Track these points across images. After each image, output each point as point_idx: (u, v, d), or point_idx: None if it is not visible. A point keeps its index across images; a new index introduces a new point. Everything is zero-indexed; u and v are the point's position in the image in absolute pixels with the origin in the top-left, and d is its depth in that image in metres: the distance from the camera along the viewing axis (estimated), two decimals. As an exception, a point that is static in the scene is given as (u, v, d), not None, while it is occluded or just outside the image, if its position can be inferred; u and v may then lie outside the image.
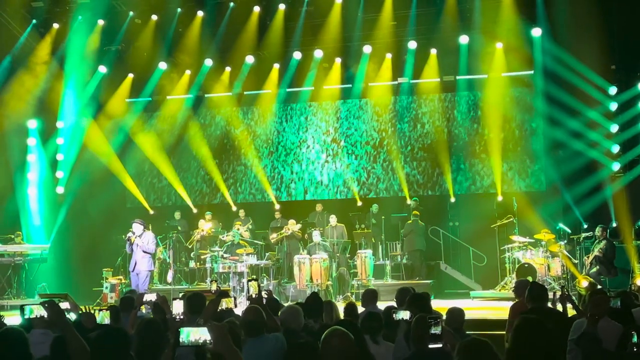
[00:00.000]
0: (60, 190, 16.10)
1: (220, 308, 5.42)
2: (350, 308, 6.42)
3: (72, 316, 5.50)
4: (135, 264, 11.50)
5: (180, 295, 6.26)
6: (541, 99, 14.68)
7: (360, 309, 6.77)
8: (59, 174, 16.17)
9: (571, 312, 6.45)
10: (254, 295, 5.58)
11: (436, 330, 3.93)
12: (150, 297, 6.17)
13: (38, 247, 14.77)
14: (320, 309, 6.18)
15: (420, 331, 4.30)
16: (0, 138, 15.17)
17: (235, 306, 5.87)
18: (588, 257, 12.22)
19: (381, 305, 6.81)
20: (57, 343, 4.25)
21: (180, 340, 3.44)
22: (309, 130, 16.90)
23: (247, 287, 5.79)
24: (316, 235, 13.54)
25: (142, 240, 11.49)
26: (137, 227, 11.63)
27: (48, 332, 4.78)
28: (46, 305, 3.93)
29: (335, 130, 16.75)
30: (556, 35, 13.75)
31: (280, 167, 16.97)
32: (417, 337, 4.37)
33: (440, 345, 3.94)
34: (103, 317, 5.65)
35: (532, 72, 14.91)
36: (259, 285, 5.74)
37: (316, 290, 12.37)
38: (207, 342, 3.42)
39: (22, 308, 4.05)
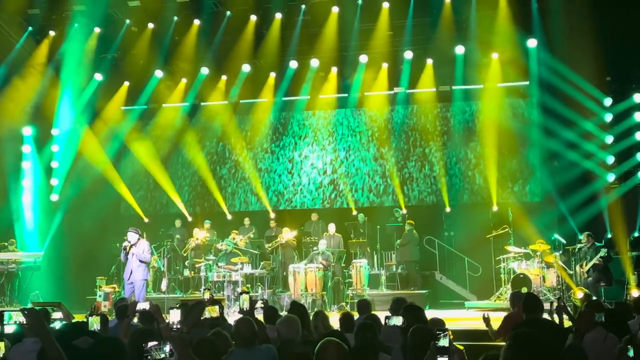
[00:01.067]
0: (54, 197, 16.05)
1: (203, 317, 5.35)
2: (347, 318, 6.38)
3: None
4: (131, 273, 11.35)
5: (178, 305, 6.20)
6: (537, 110, 14.74)
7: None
8: (54, 182, 16.12)
9: (567, 323, 6.43)
10: (245, 308, 5.56)
11: (444, 342, 3.84)
12: (143, 305, 6.11)
13: (32, 255, 14.71)
14: (304, 316, 6.14)
15: (418, 341, 4.28)
16: (-5, 145, 15.15)
17: (220, 314, 5.81)
18: (582, 266, 12.15)
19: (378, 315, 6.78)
20: (43, 353, 4.18)
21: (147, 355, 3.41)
22: (307, 139, 16.93)
23: (241, 299, 5.76)
24: (322, 244, 13.52)
25: (138, 249, 11.34)
26: (132, 236, 11.49)
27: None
28: (25, 312, 3.83)
29: (331, 141, 16.75)
30: (552, 46, 13.81)
31: (276, 178, 16.99)
32: (414, 347, 4.35)
33: (447, 358, 3.89)
34: (92, 323, 5.60)
35: (527, 82, 14.98)
36: (250, 298, 5.72)
37: (311, 300, 12.37)
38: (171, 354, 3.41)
39: (1, 315, 3.98)
